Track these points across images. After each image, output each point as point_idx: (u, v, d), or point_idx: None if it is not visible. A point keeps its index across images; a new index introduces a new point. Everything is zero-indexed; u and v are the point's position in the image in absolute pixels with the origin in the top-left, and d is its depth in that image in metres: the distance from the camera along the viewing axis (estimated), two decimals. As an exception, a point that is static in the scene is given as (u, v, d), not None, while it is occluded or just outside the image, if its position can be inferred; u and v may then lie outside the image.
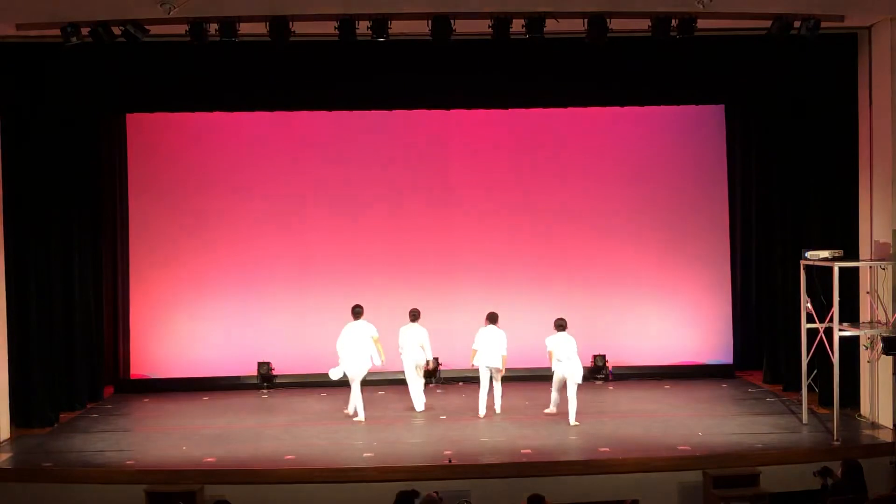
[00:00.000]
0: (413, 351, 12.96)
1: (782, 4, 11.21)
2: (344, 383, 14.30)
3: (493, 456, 10.62)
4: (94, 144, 13.91)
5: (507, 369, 12.81)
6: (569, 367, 12.05)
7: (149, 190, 14.77)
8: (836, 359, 11.16)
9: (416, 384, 13.00)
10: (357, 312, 12.56)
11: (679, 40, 11.38)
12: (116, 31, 11.06)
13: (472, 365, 12.70)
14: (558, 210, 15.08)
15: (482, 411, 12.56)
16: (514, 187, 15.05)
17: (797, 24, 11.32)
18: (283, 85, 13.17)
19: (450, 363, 14.48)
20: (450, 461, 10.34)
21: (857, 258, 12.06)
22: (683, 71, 13.20)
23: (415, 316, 13.08)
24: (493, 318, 12.72)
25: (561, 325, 12.36)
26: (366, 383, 14.42)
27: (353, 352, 12.38)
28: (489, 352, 12.50)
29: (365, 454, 10.74)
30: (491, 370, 12.56)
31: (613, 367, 14.93)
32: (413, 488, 8.35)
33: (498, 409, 12.71)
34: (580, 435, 11.48)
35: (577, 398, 12.14)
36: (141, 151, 14.75)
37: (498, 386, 12.73)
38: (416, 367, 13.03)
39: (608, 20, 11.11)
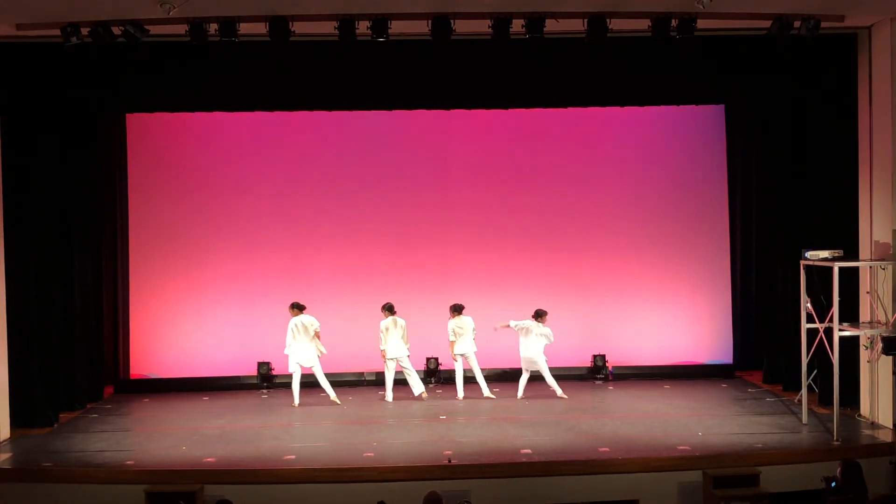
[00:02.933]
0: (398, 343, 13.50)
1: (782, 4, 11.21)
2: (343, 383, 14.43)
3: (493, 456, 10.61)
4: (94, 144, 13.90)
5: (509, 369, 13.96)
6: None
7: (149, 190, 14.76)
8: (835, 359, 11.16)
9: (391, 376, 13.68)
10: (301, 307, 13.31)
11: (679, 40, 11.38)
12: (116, 31, 11.07)
13: (454, 355, 13.66)
14: (557, 210, 15.07)
15: (462, 393, 13.67)
16: (514, 186, 15.05)
17: (797, 24, 11.32)
18: (283, 85, 13.18)
19: (449, 363, 14.46)
20: (450, 461, 10.33)
21: (857, 258, 12.05)
22: (683, 71, 13.20)
23: (393, 309, 13.62)
24: (460, 309, 13.70)
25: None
26: (366, 383, 14.57)
27: (305, 343, 13.27)
28: (469, 339, 13.61)
29: (365, 454, 10.73)
30: (471, 355, 13.69)
31: (613, 367, 14.93)
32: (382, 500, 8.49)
33: (487, 391, 13.62)
34: (580, 435, 11.48)
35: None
36: (141, 151, 14.74)
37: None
38: (398, 360, 13.55)
39: (608, 20, 11.11)
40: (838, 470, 8.69)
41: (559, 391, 13.45)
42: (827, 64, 12.62)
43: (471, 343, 13.64)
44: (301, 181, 14.91)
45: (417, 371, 13.98)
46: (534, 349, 13.42)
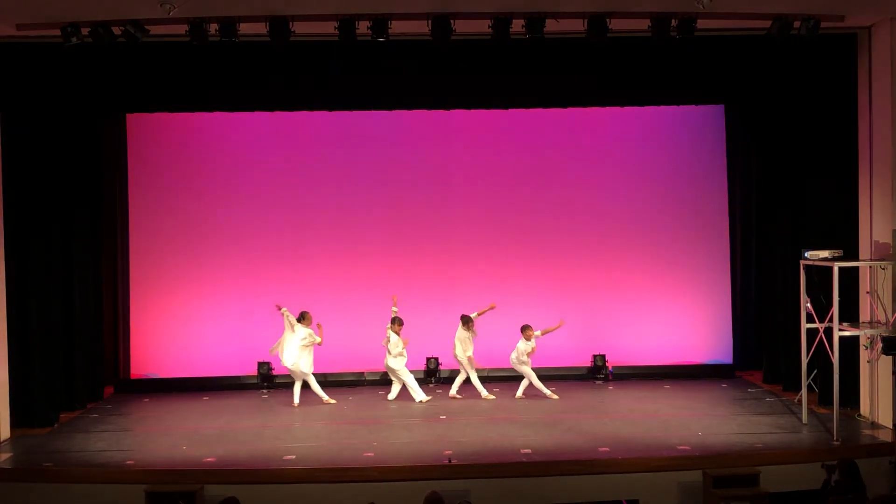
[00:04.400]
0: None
1: (782, 4, 11.21)
2: (343, 383, 14.42)
3: (493, 456, 10.61)
4: (94, 144, 13.90)
5: (509, 369, 13.87)
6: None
7: (149, 190, 14.75)
8: (835, 359, 11.16)
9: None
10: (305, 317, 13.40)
11: (679, 40, 11.38)
12: (116, 31, 11.07)
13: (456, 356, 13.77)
14: (557, 210, 15.05)
15: (453, 391, 13.73)
16: (514, 187, 15.03)
17: (797, 24, 11.32)
18: (283, 85, 13.19)
19: (450, 363, 14.46)
20: (450, 461, 10.33)
21: (857, 258, 12.06)
22: (683, 71, 13.22)
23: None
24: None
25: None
26: (366, 383, 14.56)
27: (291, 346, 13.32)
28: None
29: (365, 454, 10.73)
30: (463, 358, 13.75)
31: (613, 367, 14.92)
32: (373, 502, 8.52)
33: (484, 393, 13.67)
34: (580, 435, 11.48)
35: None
36: (141, 151, 14.74)
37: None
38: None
39: (608, 20, 11.12)
40: (836, 471, 8.73)
41: (547, 392, 13.51)
42: (827, 64, 12.61)
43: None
44: (301, 180, 14.90)
45: (418, 371, 13.99)
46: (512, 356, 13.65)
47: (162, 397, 14.12)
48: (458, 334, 13.65)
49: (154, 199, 14.76)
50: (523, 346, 13.46)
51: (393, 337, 13.33)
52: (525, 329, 13.46)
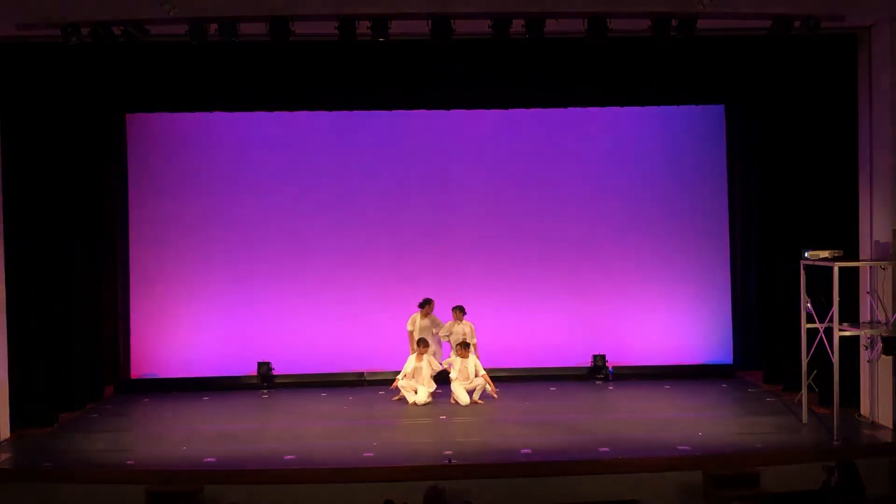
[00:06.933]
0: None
1: (782, 4, 11.22)
2: (343, 383, 14.42)
3: (493, 456, 10.61)
4: (94, 144, 13.89)
5: (508, 369, 13.98)
6: None
7: (149, 190, 14.74)
8: (836, 359, 11.16)
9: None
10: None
11: (679, 40, 11.39)
12: (116, 31, 11.08)
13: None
14: (558, 210, 15.05)
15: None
16: (514, 187, 15.02)
17: (797, 24, 11.33)
18: (283, 85, 13.18)
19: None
20: (450, 461, 10.33)
21: (857, 258, 12.06)
22: (684, 71, 13.21)
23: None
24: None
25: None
26: (366, 383, 14.55)
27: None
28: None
29: (365, 454, 10.74)
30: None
31: (613, 367, 14.91)
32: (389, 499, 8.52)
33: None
34: (580, 435, 11.48)
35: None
36: (141, 151, 14.73)
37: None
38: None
39: (608, 20, 11.11)
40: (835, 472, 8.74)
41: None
42: (827, 64, 12.62)
43: None
44: (301, 180, 14.89)
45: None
46: None
47: (162, 397, 14.12)
48: None
49: (154, 199, 14.74)
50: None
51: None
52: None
